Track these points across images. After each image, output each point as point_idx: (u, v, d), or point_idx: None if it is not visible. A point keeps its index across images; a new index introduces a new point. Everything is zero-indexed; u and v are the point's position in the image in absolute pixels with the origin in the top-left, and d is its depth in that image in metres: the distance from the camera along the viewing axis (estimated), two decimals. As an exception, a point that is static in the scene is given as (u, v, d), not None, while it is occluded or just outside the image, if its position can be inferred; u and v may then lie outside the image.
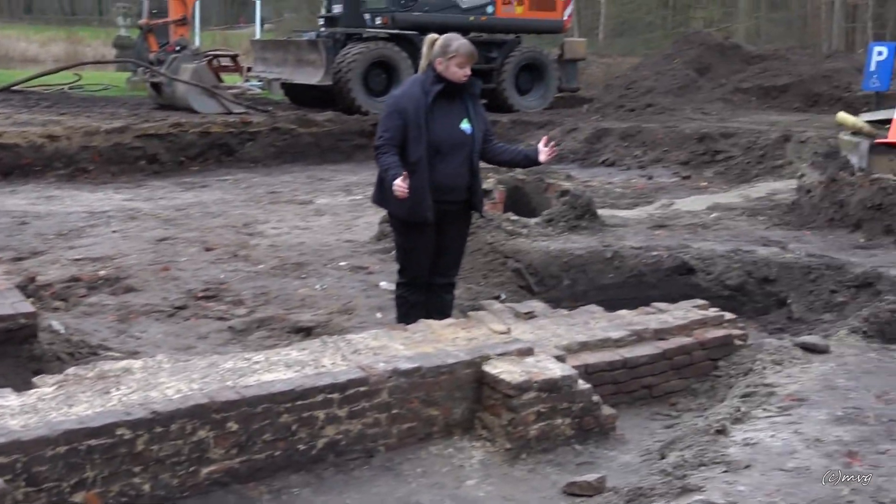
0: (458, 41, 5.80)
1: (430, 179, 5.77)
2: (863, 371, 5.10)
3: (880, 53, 11.59)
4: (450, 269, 6.24)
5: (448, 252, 6.13)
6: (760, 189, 12.10)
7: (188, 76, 17.80)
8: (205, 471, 4.07)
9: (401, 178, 5.54)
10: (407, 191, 5.55)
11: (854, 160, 9.46)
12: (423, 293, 6.14)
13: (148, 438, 3.90)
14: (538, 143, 6.13)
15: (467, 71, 5.80)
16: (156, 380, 4.37)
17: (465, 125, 5.89)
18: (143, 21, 20.49)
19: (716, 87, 21.02)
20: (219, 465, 4.10)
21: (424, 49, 5.91)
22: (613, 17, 43.80)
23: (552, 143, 6.12)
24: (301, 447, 4.30)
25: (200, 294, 7.67)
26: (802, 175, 10.15)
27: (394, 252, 8.65)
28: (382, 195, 5.98)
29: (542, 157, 6.04)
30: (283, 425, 4.23)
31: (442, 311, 6.09)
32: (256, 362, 4.66)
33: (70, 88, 22.83)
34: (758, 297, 7.76)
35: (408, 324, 5.63)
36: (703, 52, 22.01)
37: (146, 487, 3.93)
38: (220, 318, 7.15)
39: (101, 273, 8.10)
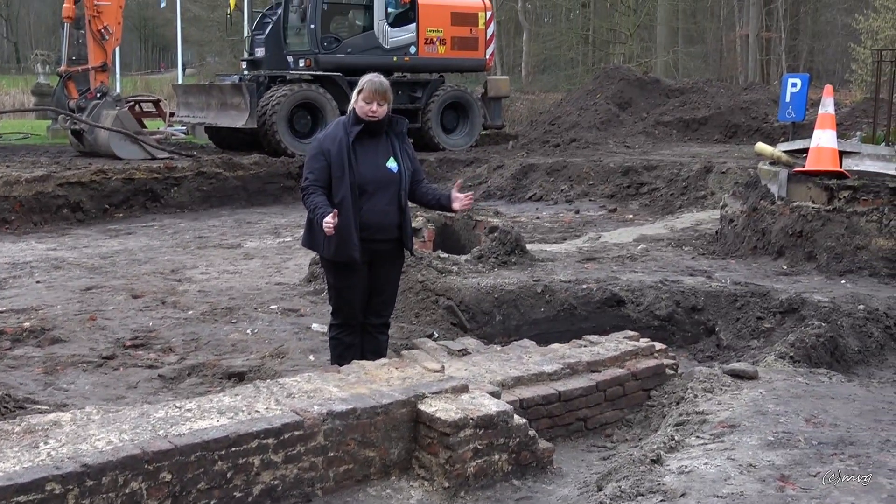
0: (368, 77, 5.87)
1: (359, 219, 5.78)
2: (791, 395, 5.19)
3: (794, 85, 11.86)
4: (384, 309, 6.23)
5: (381, 291, 6.13)
6: (685, 220, 12.31)
7: (110, 122, 17.59)
8: (139, 523, 3.99)
9: (330, 215, 5.54)
10: (333, 228, 5.55)
11: (774, 189, 9.68)
12: (358, 334, 6.12)
13: (79, 493, 3.81)
14: (451, 188, 6.16)
15: (374, 107, 5.80)
16: (85, 432, 4.29)
17: (391, 164, 5.91)
18: (62, 68, 20.20)
19: (637, 121, 21.42)
20: (153, 516, 4.02)
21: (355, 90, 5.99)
22: (535, 54, 44.43)
23: (468, 193, 6.15)
24: (237, 494, 4.23)
25: (129, 343, 7.55)
26: (725, 205, 10.35)
27: (325, 294, 8.63)
28: (311, 237, 6.01)
29: (456, 206, 6.05)
30: (217, 473, 4.17)
31: (376, 352, 6.07)
32: (189, 410, 4.59)
33: (-11, 138, 22.43)
34: (687, 326, 7.87)
35: (342, 366, 5.61)
36: (624, 87, 22.43)
37: (78, 543, 3.84)
38: (150, 367, 7.04)
39: (26, 325, 7.93)
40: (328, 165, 5.77)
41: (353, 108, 5.87)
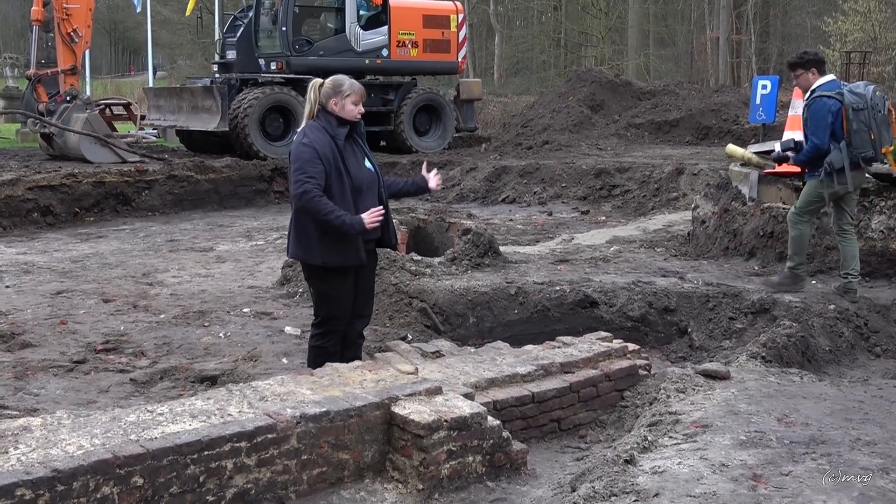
0: (348, 80, 5.84)
1: None
2: (763, 395, 5.22)
3: (765, 87, 11.96)
4: (365, 308, 6.19)
5: (362, 291, 6.09)
6: (657, 221, 12.37)
7: (80, 126, 17.48)
8: (110, 528, 3.95)
9: (370, 212, 5.65)
10: (381, 216, 5.70)
11: (745, 190, 9.74)
12: (339, 342, 6.05)
13: (50, 498, 3.78)
14: (422, 171, 6.31)
15: (361, 108, 5.84)
16: (56, 437, 4.25)
17: (368, 164, 5.92)
18: (31, 71, 20.04)
19: (609, 123, 21.49)
20: (125, 521, 3.99)
21: (311, 94, 5.83)
22: (508, 57, 44.50)
23: (434, 171, 6.28)
24: (210, 498, 4.21)
25: (100, 347, 7.50)
26: (696, 206, 10.41)
27: (298, 297, 8.60)
28: (307, 246, 5.83)
29: (433, 184, 6.18)
30: (190, 477, 4.14)
31: (354, 356, 6.03)
32: (160, 414, 4.56)
33: (-43, 142, 22.22)
34: (660, 327, 7.91)
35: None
36: (596, 90, 22.51)
37: (49, 549, 3.80)
38: (122, 371, 6.99)
39: (-5, 329, 7.86)
40: (325, 170, 5.68)
41: (333, 111, 5.78)
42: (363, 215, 5.64)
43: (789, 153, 8.15)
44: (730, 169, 10.53)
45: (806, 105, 7.89)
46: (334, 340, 6.03)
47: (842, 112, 7.65)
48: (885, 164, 8.32)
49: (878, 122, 7.69)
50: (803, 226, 8.03)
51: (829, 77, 7.96)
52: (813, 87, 7.85)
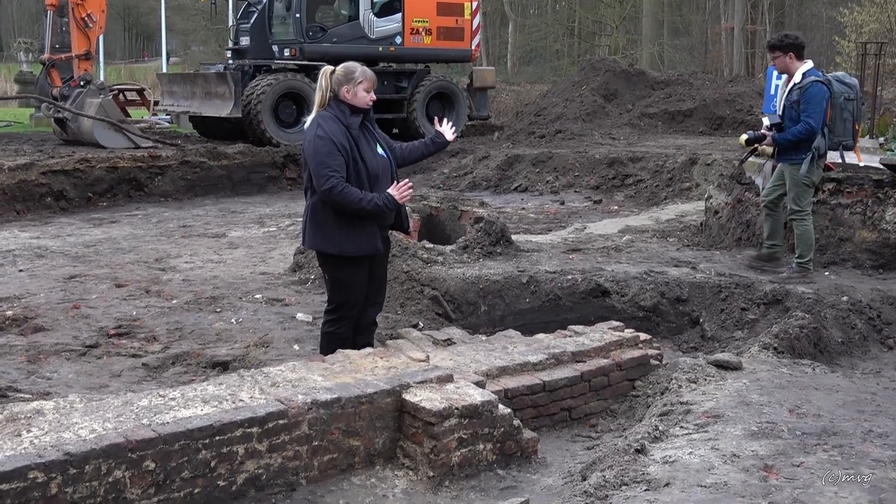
0: (360, 67, 5.83)
1: None
2: (775, 386, 5.21)
3: (779, 77, 11.89)
4: (378, 295, 6.19)
5: (376, 278, 6.10)
6: (670, 211, 12.34)
7: (94, 111, 17.51)
8: (122, 512, 3.97)
9: (398, 187, 5.75)
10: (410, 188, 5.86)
11: (758, 181, 9.70)
12: (352, 327, 6.05)
13: (62, 481, 3.79)
14: (437, 128, 6.44)
15: (373, 95, 5.84)
16: (68, 420, 4.26)
17: (381, 150, 5.92)
18: (45, 56, 20.09)
19: (623, 113, 21.45)
20: (136, 505, 4.00)
21: (322, 82, 5.79)
22: (521, 45, 44.42)
23: (448, 123, 6.42)
24: (221, 483, 4.22)
25: (113, 331, 7.52)
26: (710, 197, 10.38)
27: (310, 283, 8.62)
28: (325, 236, 5.83)
29: (450, 136, 6.32)
30: (201, 462, 4.15)
31: (366, 343, 6.04)
32: (172, 399, 4.57)
33: (-29, 126, 22.29)
34: (671, 317, 7.89)
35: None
36: (610, 79, 22.45)
37: (61, 532, 3.82)
38: (134, 356, 7.01)
39: (9, 313, 7.89)
40: (345, 161, 5.66)
41: (345, 100, 5.76)
42: (391, 191, 5.74)
43: (766, 132, 8.32)
44: (743, 159, 10.49)
45: (799, 88, 8.06)
46: (347, 327, 6.02)
47: (829, 99, 7.99)
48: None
49: (861, 113, 8.22)
50: (808, 220, 8.19)
51: (811, 63, 8.22)
52: (804, 71, 8.10)
